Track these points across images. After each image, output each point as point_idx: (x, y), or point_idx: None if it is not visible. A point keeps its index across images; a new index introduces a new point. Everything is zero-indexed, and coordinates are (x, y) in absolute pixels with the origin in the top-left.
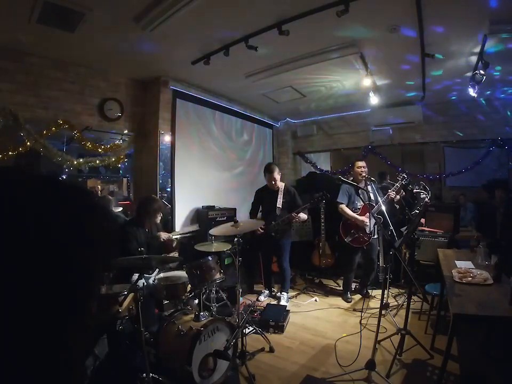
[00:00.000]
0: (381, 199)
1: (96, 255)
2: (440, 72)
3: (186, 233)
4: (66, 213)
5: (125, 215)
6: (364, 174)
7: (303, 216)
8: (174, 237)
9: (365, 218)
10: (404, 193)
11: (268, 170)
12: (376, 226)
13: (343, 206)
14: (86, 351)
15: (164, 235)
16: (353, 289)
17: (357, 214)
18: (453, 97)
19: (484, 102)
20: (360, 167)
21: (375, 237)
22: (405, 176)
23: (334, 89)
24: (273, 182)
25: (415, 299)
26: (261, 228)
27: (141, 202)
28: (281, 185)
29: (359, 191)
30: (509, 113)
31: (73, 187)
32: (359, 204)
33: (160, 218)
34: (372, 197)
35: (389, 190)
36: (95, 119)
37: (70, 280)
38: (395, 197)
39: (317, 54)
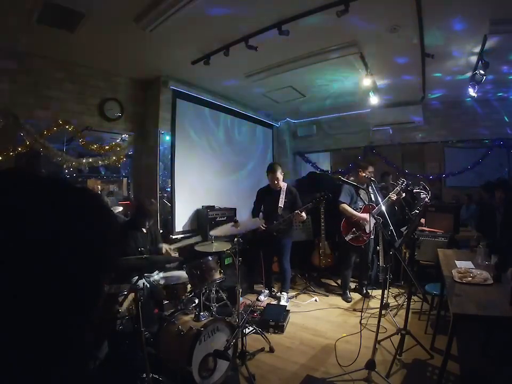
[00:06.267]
0: (382, 200)
1: (101, 256)
2: (440, 72)
3: (186, 231)
4: (74, 214)
5: (125, 215)
6: (373, 178)
7: (304, 215)
8: (173, 247)
9: (366, 216)
10: (403, 194)
11: (271, 169)
12: (375, 226)
13: (345, 205)
14: (89, 353)
15: (165, 246)
16: (352, 288)
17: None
18: (453, 97)
19: (484, 102)
20: (372, 172)
21: (372, 236)
22: (404, 180)
23: (334, 89)
24: (275, 182)
25: (415, 299)
26: (262, 225)
27: (138, 204)
28: (283, 185)
29: (360, 191)
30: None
31: (79, 189)
32: (361, 204)
33: (150, 222)
34: (373, 198)
35: (390, 193)
36: (95, 119)
37: (74, 281)
38: (395, 198)
39: (317, 54)
